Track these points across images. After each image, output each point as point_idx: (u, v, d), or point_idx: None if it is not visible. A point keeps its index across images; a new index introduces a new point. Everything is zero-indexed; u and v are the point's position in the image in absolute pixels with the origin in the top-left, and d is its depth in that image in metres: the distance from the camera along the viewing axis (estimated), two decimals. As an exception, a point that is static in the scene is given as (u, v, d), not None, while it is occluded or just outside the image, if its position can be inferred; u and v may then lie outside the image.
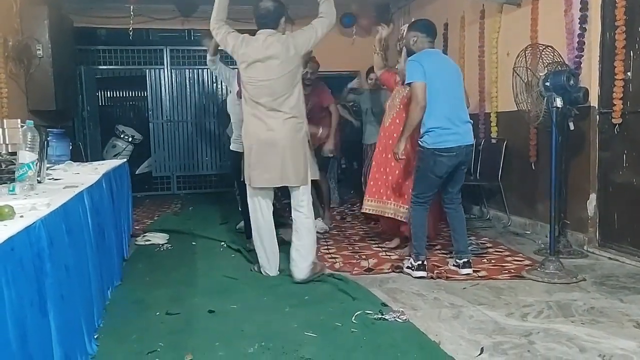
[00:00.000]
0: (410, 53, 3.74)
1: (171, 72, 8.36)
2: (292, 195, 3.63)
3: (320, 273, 3.59)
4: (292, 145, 3.49)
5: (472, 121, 3.75)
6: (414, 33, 3.70)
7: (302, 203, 3.59)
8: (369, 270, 3.82)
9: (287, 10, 3.67)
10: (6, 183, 2.61)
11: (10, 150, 2.76)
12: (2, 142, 2.75)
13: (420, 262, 3.61)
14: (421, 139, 3.58)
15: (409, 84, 3.53)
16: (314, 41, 3.57)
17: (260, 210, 3.67)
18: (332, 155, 5.31)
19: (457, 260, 3.74)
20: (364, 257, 4.18)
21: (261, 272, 3.71)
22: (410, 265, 3.66)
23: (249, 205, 3.72)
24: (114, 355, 2.46)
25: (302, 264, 3.54)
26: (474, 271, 3.71)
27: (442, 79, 3.55)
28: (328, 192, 5.65)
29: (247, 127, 3.58)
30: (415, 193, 3.68)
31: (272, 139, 3.47)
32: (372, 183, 4.34)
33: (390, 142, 4.17)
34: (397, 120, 4.11)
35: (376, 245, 4.54)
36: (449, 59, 3.97)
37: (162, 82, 8.37)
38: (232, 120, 4.56)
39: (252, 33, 3.58)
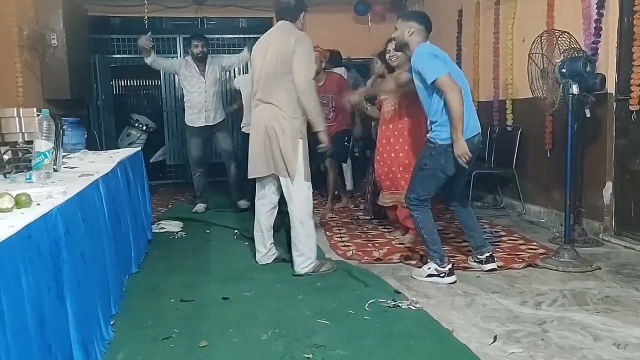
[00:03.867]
0: (401, 46, 3.41)
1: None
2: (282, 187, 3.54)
3: (322, 271, 3.50)
4: (275, 136, 3.43)
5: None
6: (411, 24, 3.32)
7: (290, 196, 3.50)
8: (377, 260, 3.80)
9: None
10: (23, 171, 2.65)
11: (26, 139, 2.79)
12: (18, 130, 2.78)
13: (450, 267, 3.29)
14: (432, 134, 3.26)
15: (434, 82, 3.11)
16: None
17: (257, 195, 3.68)
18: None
19: (479, 256, 3.52)
20: (377, 245, 4.19)
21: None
22: (435, 272, 3.29)
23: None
24: (129, 340, 2.49)
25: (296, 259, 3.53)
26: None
27: (450, 68, 3.26)
28: (335, 182, 5.63)
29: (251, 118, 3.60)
30: (414, 195, 3.32)
31: (264, 129, 3.47)
32: (382, 177, 4.32)
33: (387, 133, 4.20)
34: (401, 110, 4.10)
35: (390, 234, 4.54)
36: None
37: (176, 70, 8.37)
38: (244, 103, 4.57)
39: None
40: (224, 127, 5.75)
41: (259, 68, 3.52)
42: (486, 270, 3.47)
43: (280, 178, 3.51)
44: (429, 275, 3.31)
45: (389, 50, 4.08)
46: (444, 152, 3.21)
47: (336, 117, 5.51)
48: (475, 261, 3.58)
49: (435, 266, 3.30)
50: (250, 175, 3.67)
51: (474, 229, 3.57)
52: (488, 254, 3.51)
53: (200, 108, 5.53)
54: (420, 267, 3.43)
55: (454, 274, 3.30)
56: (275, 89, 3.44)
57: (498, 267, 3.52)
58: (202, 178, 5.74)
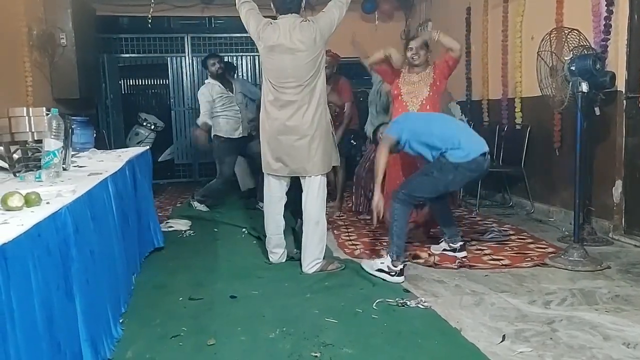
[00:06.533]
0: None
1: (192, 60, 8.39)
2: (303, 185, 3.55)
3: (330, 270, 3.50)
4: (313, 134, 3.42)
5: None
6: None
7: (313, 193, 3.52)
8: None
9: None
10: (32, 170, 2.67)
11: (36, 138, 2.81)
12: (28, 130, 2.80)
13: (401, 268, 3.29)
14: (443, 154, 3.33)
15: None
16: (335, 23, 3.46)
17: (271, 196, 3.65)
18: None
19: (452, 245, 3.72)
20: (384, 243, 4.17)
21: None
22: (386, 269, 3.29)
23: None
24: (138, 338, 2.50)
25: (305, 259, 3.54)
26: (495, 259, 3.68)
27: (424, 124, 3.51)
28: (343, 181, 5.64)
29: (267, 114, 3.52)
30: (406, 192, 3.37)
31: (294, 127, 3.42)
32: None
33: None
34: (428, 107, 3.97)
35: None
36: None
37: (184, 69, 8.42)
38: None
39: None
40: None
41: (286, 67, 3.40)
42: (460, 258, 3.64)
43: (304, 178, 3.51)
44: (379, 270, 3.32)
45: (412, 47, 4.04)
46: (453, 170, 3.31)
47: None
48: (448, 249, 3.75)
49: (389, 263, 3.29)
50: (279, 173, 3.55)
51: (448, 219, 3.81)
52: (461, 243, 3.73)
53: (236, 119, 5.57)
54: (373, 260, 3.46)
55: (403, 275, 3.28)
56: (312, 85, 3.40)
57: (505, 265, 3.56)
58: (222, 191, 5.78)
